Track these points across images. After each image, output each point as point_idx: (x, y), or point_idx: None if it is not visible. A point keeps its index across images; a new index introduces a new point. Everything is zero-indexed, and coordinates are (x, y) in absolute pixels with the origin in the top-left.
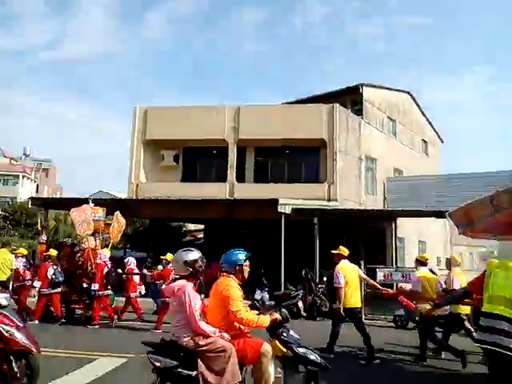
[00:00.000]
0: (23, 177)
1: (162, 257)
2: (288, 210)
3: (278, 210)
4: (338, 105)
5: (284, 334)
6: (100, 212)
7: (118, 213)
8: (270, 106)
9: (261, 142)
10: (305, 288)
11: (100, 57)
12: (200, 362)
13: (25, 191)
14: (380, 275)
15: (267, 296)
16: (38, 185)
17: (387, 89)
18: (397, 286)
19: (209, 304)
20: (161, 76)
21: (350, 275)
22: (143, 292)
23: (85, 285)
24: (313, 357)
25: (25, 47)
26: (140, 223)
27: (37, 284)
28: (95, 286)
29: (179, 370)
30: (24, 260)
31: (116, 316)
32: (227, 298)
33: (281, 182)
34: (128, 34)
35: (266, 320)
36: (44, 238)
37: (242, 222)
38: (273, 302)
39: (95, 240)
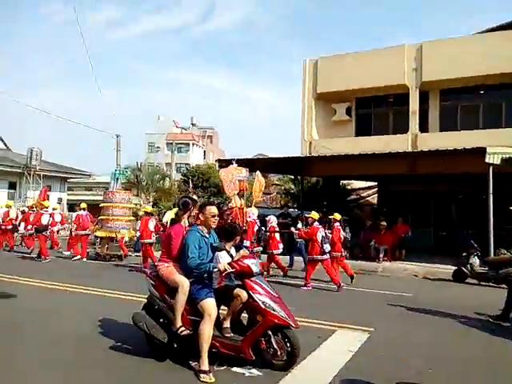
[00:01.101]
0: (193, 144)
1: (330, 216)
2: (497, 161)
3: (486, 161)
4: None
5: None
6: (243, 172)
7: (258, 172)
8: (460, 39)
9: (448, 83)
10: None
11: (244, 24)
12: None
13: (195, 157)
14: None
15: (478, 261)
16: (204, 151)
17: None
18: None
19: None
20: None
21: None
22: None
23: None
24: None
25: (180, 24)
26: (309, 182)
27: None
28: (247, 243)
29: None
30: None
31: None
32: None
33: (475, 129)
34: None
35: None
36: (195, 197)
37: (426, 177)
38: None
39: (240, 199)
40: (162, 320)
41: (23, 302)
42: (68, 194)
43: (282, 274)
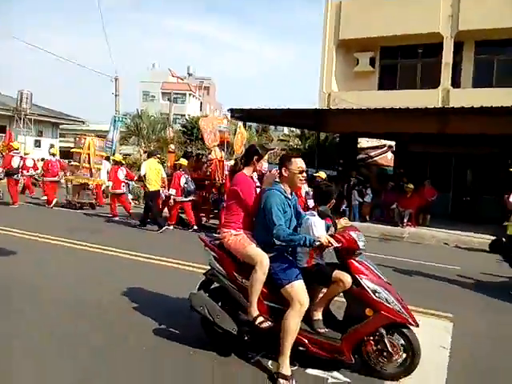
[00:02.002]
0: (189, 95)
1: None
2: None
3: None
4: None
5: None
6: (224, 123)
7: (241, 124)
8: None
9: (486, 34)
10: None
11: None
12: None
13: (191, 108)
14: None
15: None
16: (201, 102)
17: None
18: None
19: None
20: None
21: None
22: None
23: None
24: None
25: None
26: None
27: (172, 192)
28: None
29: None
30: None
31: None
32: None
33: None
34: None
35: None
36: (172, 147)
37: (448, 138)
38: None
39: (221, 151)
40: (225, 303)
41: (29, 260)
42: (60, 141)
43: None
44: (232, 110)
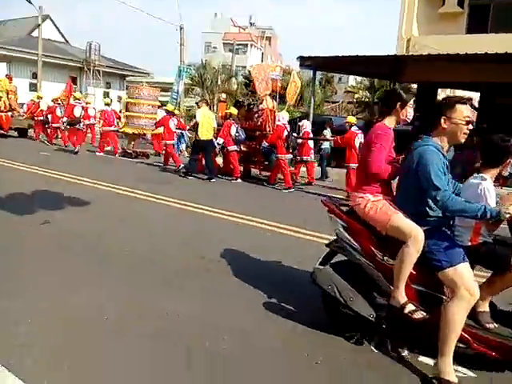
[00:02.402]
0: (251, 45)
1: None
2: None
3: None
4: None
5: None
6: (277, 70)
7: (294, 73)
8: None
9: None
10: None
11: None
12: None
13: (252, 59)
14: None
15: None
16: (262, 53)
17: None
18: None
19: None
20: None
21: None
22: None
23: (263, 145)
24: None
25: None
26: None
27: (219, 141)
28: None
29: None
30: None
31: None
32: None
33: None
34: None
35: None
36: (224, 96)
37: None
38: None
39: (272, 101)
40: (354, 282)
41: (105, 210)
42: (127, 93)
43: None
44: (302, 58)
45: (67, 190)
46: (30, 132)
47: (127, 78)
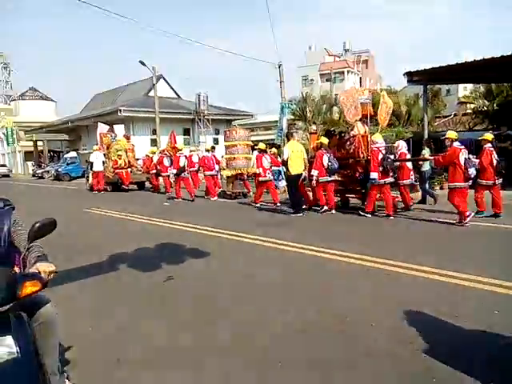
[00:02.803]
0: (348, 72)
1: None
2: None
3: None
4: None
5: None
6: (365, 94)
7: (384, 93)
8: None
9: None
10: None
11: None
12: None
13: (350, 85)
14: None
15: None
16: (360, 77)
17: None
18: None
19: None
20: None
21: None
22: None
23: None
24: None
25: None
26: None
27: (314, 172)
28: (374, 175)
29: None
30: None
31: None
32: None
33: None
34: None
35: None
36: (314, 127)
37: None
38: None
39: (363, 125)
40: None
41: (230, 263)
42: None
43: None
44: (409, 74)
45: (188, 240)
46: (147, 184)
47: (233, 122)
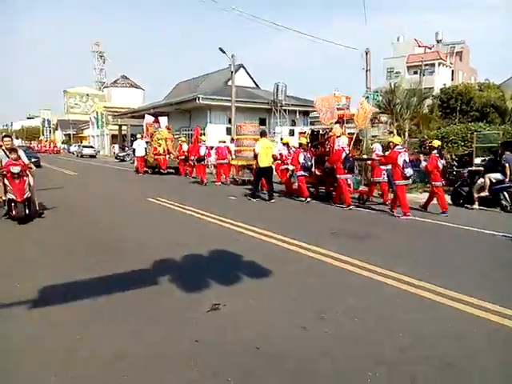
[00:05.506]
0: (439, 64)
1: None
2: None
3: None
4: None
5: None
6: (343, 101)
7: (363, 99)
8: None
9: None
10: None
11: None
12: None
13: (440, 79)
14: None
15: None
16: (452, 70)
17: None
18: None
19: None
20: None
21: None
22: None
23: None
24: None
25: None
26: None
27: (290, 167)
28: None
29: None
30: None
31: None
32: None
33: None
34: None
35: None
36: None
37: None
38: None
39: (342, 127)
40: None
41: (293, 286)
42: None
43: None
44: None
45: (234, 246)
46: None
47: (311, 114)
